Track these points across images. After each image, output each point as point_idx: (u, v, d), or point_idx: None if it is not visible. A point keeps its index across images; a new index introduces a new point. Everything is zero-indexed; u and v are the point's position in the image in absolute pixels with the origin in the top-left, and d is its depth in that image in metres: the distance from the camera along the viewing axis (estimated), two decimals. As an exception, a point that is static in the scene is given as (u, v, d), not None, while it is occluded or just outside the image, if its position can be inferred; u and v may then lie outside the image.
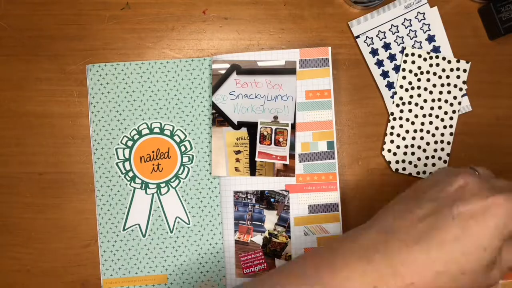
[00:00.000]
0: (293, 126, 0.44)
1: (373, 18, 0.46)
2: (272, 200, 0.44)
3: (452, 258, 0.29)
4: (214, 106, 0.44)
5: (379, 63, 0.46)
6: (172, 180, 0.45)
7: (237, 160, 0.44)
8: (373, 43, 0.46)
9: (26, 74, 0.46)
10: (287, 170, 0.44)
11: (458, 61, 0.45)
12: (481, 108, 0.46)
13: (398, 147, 0.45)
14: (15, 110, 0.45)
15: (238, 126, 0.44)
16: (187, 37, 0.46)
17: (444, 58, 0.45)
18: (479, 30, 0.46)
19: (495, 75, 0.46)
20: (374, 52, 0.46)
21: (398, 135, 0.45)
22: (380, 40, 0.46)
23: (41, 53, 0.46)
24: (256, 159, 0.44)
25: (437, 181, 0.33)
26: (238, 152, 0.44)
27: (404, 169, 0.45)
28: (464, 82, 0.45)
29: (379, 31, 0.46)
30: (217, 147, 0.44)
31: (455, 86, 0.45)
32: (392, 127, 0.45)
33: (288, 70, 0.44)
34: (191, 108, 0.45)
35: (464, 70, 0.45)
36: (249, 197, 0.44)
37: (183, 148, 0.45)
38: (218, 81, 0.44)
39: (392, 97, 0.46)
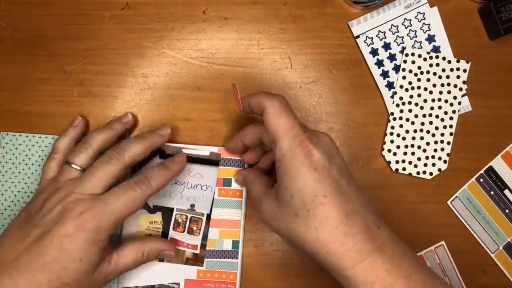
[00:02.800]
0: (208, 217, 0.44)
1: (373, 18, 0.46)
2: None
3: (54, 276, 0.33)
4: None
5: (379, 63, 0.46)
6: None
7: None
8: (373, 43, 0.46)
9: (26, 74, 0.46)
10: (197, 259, 0.43)
11: (458, 61, 0.45)
12: (481, 108, 0.46)
13: (398, 147, 0.45)
14: (15, 110, 0.45)
15: (153, 210, 0.44)
16: (187, 37, 0.46)
17: (444, 58, 0.45)
18: (479, 30, 0.46)
19: (495, 75, 0.46)
20: (374, 52, 0.46)
21: (398, 135, 0.45)
22: (380, 40, 0.46)
23: (41, 53, 0.46)
24: None
25: (44, 202, 0.37)
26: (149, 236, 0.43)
27: (404, 169, 0.45)
28: (464, 82, 0.45)
29: (379, 31, 0.46)
30: (129, 231, 0.43)
31: (455, 86, 0.45)
32: (392, 127, 0.45)
33: (211, 161, 0.44)
34: None
35: (464, 70, 0.45)
36: None
37: None
38: (140, 162, 0.42)
39: (392, 97, 0.46)
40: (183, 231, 0.44)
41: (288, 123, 0.33)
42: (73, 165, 0.38)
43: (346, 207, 0.32)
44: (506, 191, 0.45)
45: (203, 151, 0.44)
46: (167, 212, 0.44)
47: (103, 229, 0.35)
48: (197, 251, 0.43)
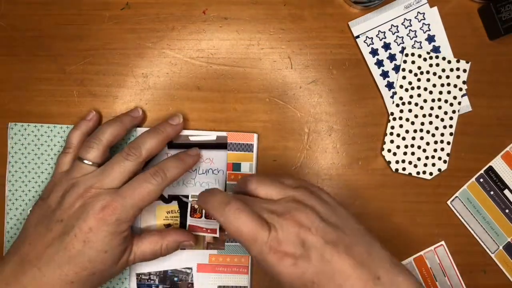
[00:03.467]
0: None
1: (373, 18, 0.46)
2: (175, 279, 0.43)
3: (81, 268, 0.35)
4: None
5: (379, 63, 0.46)
6: None
7: None
8: (373, 43, 0.46)
9: (26, 74, 0.46)
10: (217, 243, 0.44)
11: (458, 61, 0.45)
12: (481, 108, 0.46)
13: (398, 147, 0.45)
14: (15, 110, 0.45)
15: (168, 199, 0.44)
16: (187, 37, 0.46)
17: (444, 58, 0.45)
18: (479, 30, 0.46)
19: (495, 75, 0.46)
20: (374, 52, 0.46)
21: (398, 135, 0.45)
22: (380, 40, 0.46)
23: (41, 53, 0.46)
24: None
25: (62, 197, 0.38)
26: (168, 226, 0.44)
27: (404, 169, 0.45)
28: (464, 82, 0.45)
29: (379, 31, 0.46)
30: (147, 223, 0.44)
31: (455, 86, 0.45)
32: (392, 127, 0.45)
33: (219, 144, 0.45)
34: None
35: (464, 70, 0.45)
36: (152, 278, 0.43)
37: None
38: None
39: (392, 97, 0.46)
40: (201, 217, 0.44)
41: (251, 232, 0.31)
42: (85, 161, 0.39)
43: (339, 278, 0.31)
44: (506, 191, 0.45)
45: (210, 136, 0.45)
46: (182, 200, 0.44)
47: (123, 222, 0.37)
48: (217, 235, 0.44)
